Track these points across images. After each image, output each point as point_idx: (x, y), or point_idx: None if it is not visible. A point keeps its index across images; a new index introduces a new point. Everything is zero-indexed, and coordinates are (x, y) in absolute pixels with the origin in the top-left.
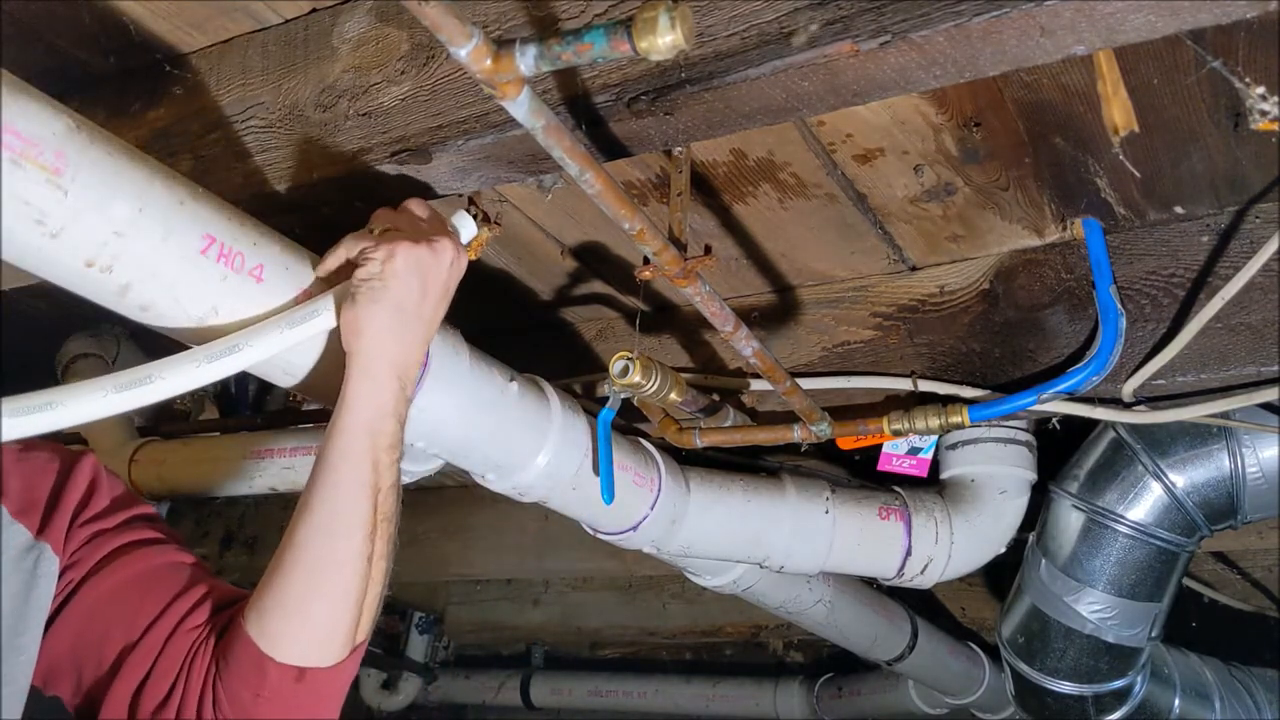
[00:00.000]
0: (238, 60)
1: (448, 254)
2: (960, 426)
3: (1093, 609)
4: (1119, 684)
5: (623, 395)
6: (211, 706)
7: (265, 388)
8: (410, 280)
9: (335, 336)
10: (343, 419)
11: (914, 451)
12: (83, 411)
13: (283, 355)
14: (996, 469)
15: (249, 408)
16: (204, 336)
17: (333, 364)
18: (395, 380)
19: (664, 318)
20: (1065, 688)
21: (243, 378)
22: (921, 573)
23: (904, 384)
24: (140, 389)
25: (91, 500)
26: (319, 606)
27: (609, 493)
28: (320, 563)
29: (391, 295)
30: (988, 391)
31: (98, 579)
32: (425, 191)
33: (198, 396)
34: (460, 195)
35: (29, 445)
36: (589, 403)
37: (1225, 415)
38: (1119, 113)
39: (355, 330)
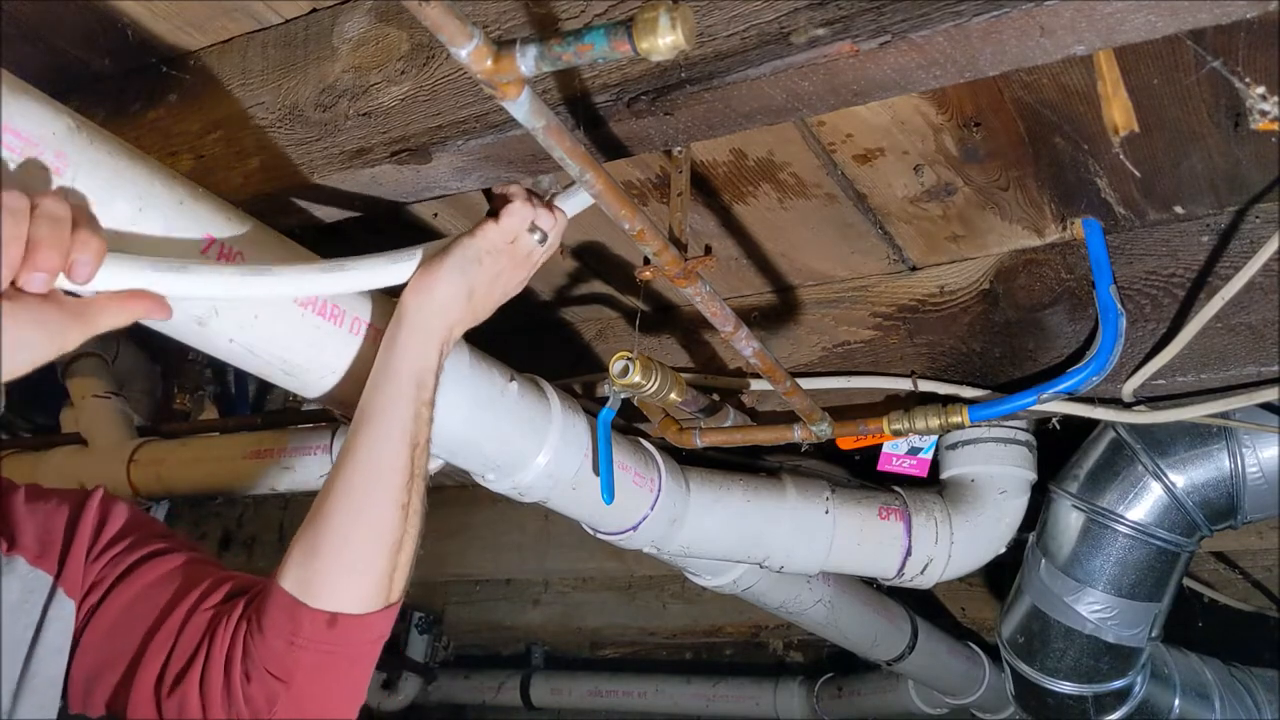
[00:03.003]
0: (238, 60)
1: (524, 273)
2: (960, 426)
3: (1093, 609)
4: (1119, 684)
5: (623, 395)
6: (241, 662)
7: (265, 388)
8: (494, 276)
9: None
10: (393, 366)
11: (914, 451)
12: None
13: (281, 355)
14: (996, 469)
15: (248, 408)
16: (204, 336)
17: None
18: (439, 345)
19: (664, 318)
20: (1065, 688)
21: (242, 378)
22: (921, 573)
23: (904, 384)
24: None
25: (103, 531)
26: (354, 549)
27: (609, 493)
28: (359, 505)
29: (472, 278)
30: (988, 391)
31: (115, 593)
32: (424, 192)
33: (198, 396)
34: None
35: (38, 494)
36: (589, 403)
37: (1225, 415)
38: (1119, 113)
39: (428, 287)
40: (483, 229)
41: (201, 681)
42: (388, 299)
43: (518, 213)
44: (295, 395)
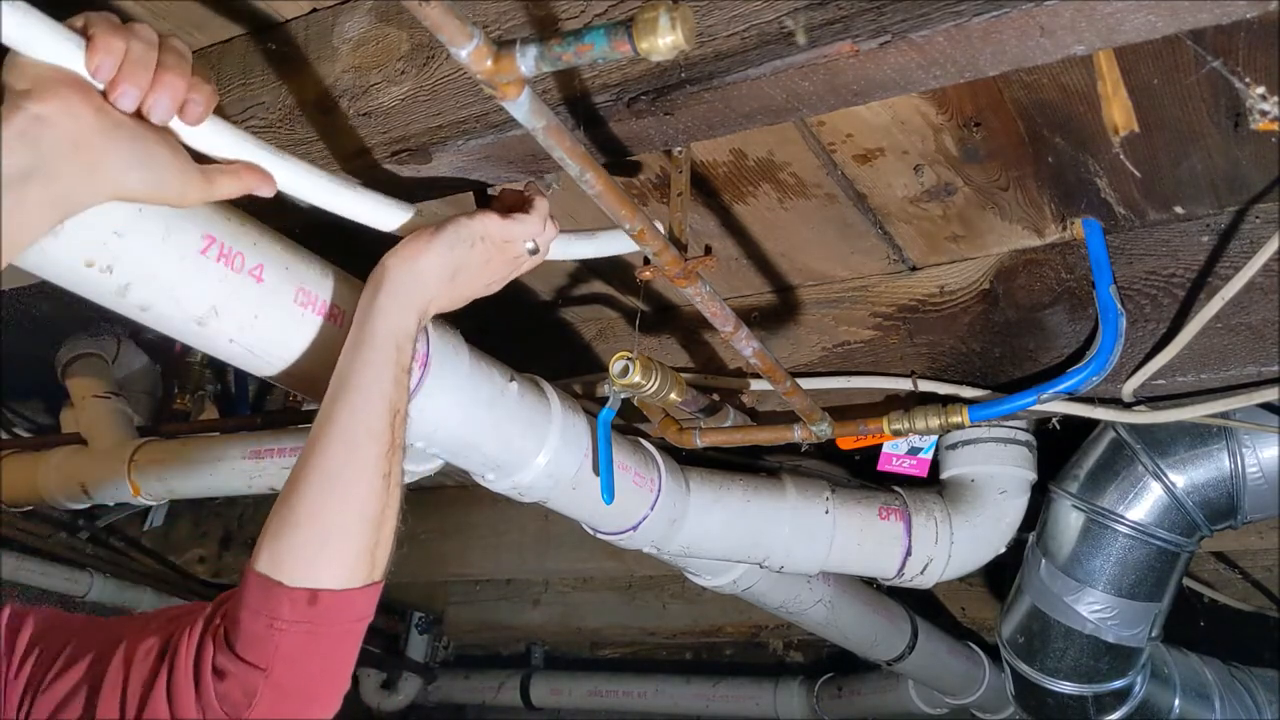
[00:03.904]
0: (238, 60)
1: (508, 273)
2: (960, 426)
3: (1093, 609)
4: (1119, 684)
5: (623, 395)
6: (213, 660)
7: (265, 388)
8: (483, 264)
9: (321, 341)
10: (371, 328)
11: (914, 451)
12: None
13: (281, 355)
14: (996, 469)
15: (249, 408)
16: (204, 336)
17: (313, 359)
18: (417, 314)
19: (664, 318)
20: (1065, 688)
21: (242, 378)
22: (921, 573)
23: (904, 384)
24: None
25: (17, 645)
26: (334, 520)
27: (609, 493)
28: (338, 475)
29: (461, 257)
30: (988, 391)
31: (49, 688)
32: (426, 191)
33: (198, 396)
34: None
35: None
36: (589, 403)
37: (1225, 415)
38: (1119, 113)
39: (414, 254)
40: (485, 216)
41: (169, 695)
42: None
43: (529, 224)
44: (295, 395)
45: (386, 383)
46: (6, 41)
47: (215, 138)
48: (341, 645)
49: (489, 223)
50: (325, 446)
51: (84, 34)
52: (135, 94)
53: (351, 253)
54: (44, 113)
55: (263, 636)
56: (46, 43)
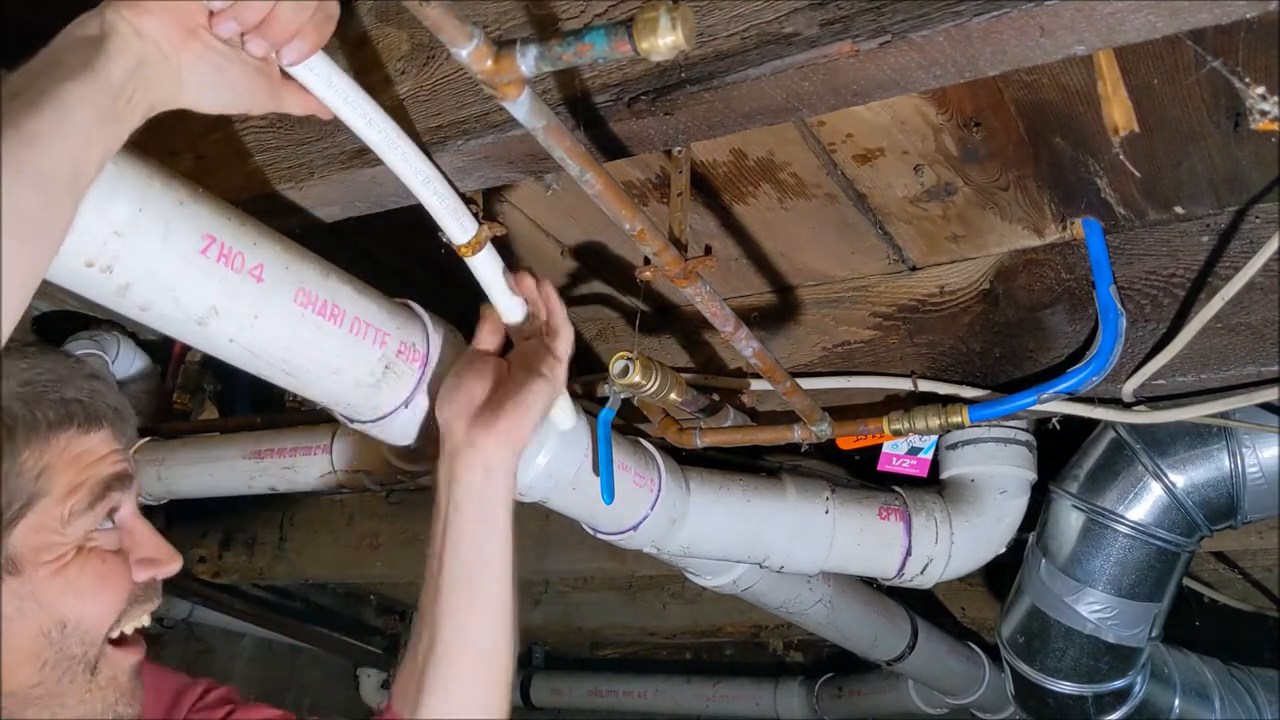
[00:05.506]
0: None
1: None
2: (960, 426)
3: (1093, 609)
4: (1119, 684)
5: (623, 395)
6: None
7: (265, 388)
8: (542, 407)
9: None
10: (491, 510)
11: (914, 451)
12: None
13: (281, 355)
14: (996, 469)
15: (249, 408)
16: (204, 336)
17: (313, 359)
18: (516, 467)
19: (664, 318)
20: (1065, 688)
21: (243, 378)
22: (921, 573)
23: (904, 384)
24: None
25: None
26: (490, 695)
27: (609, 493)
28: (488, 653)
29: (531, 416)
30: (988, 391)
31: None
32: None
33: (198, 396)
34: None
35: None
36: (589, 403)
37: (1225, 415)
38: (1119, 113)
39: (515, 441)
40: (556, 373)
41: None
42: (394, 303)
43: (567, 340)
44: (295, 396)
45: (507, 548)
46: None
47: (307, 76)
48: None
49: (558, 377)
50: (474, 626)
51: None
52: (234, 28)
53: (357, 253)
54: (143, 26)
55: None
56: None
